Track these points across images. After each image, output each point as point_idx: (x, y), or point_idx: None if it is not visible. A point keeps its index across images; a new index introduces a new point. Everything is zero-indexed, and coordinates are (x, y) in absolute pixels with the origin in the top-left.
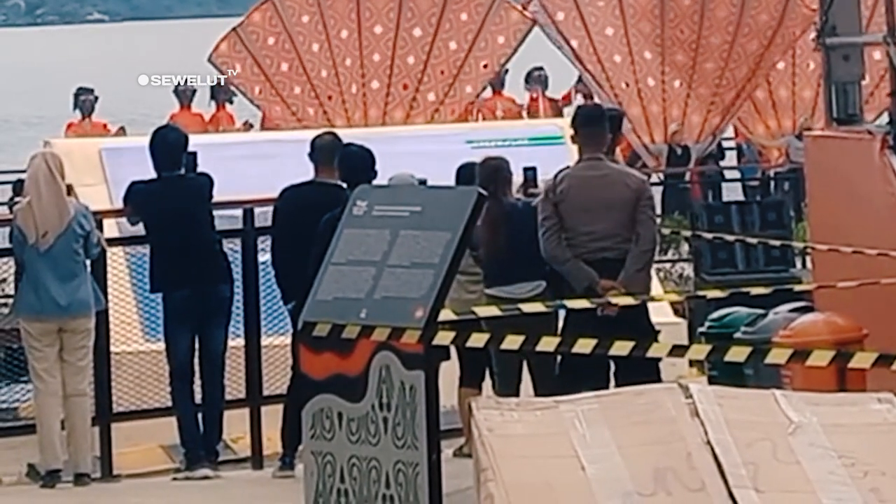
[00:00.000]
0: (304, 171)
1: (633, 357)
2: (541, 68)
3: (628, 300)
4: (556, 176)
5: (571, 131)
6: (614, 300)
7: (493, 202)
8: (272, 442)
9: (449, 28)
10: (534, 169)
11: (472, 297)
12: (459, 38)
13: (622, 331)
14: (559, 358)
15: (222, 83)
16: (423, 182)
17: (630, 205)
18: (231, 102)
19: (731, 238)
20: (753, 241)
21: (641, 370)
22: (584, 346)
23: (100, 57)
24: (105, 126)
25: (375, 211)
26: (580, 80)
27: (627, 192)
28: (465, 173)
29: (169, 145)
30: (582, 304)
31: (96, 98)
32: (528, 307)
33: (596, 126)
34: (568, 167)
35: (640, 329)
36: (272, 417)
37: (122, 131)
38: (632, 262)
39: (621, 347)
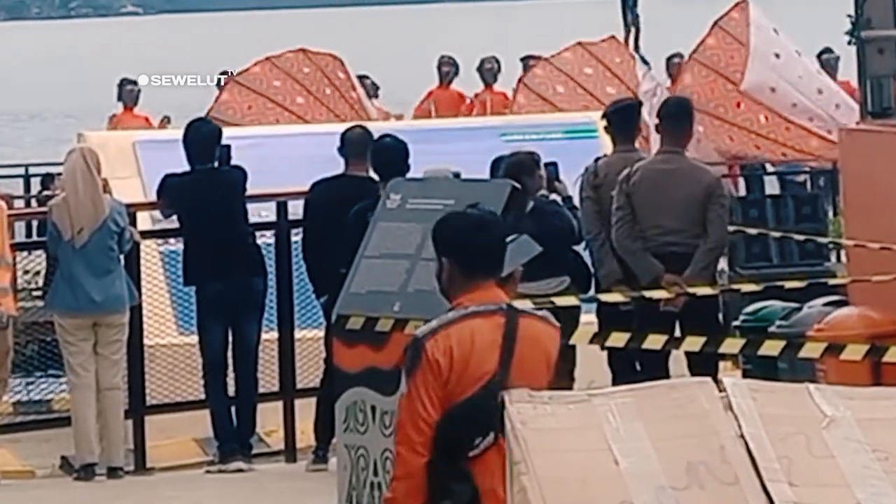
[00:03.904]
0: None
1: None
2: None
3: (663, 293)
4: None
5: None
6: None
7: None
8: (305, 435)
9: None
10: (555, 164)
11: None
12: None
13: (689, 326)
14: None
15: None
16: (456, 175)
17: (700, 201)
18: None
19: (752, 231)
20: (777, 234)
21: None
22: (618, 339)
23: (135, 49)
24: (147, 119)
25: (409, 204)
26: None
27: (698, 188)
28: (499, 166)
29: (202, 138)
30: (616, 297)
31: (140, 90)
32: (560, 300)
33: (680, 119)
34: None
35: (708, 325)
36: (305, 410)
37: (166, 121)
38: (698, 258)
39: (655, 341)
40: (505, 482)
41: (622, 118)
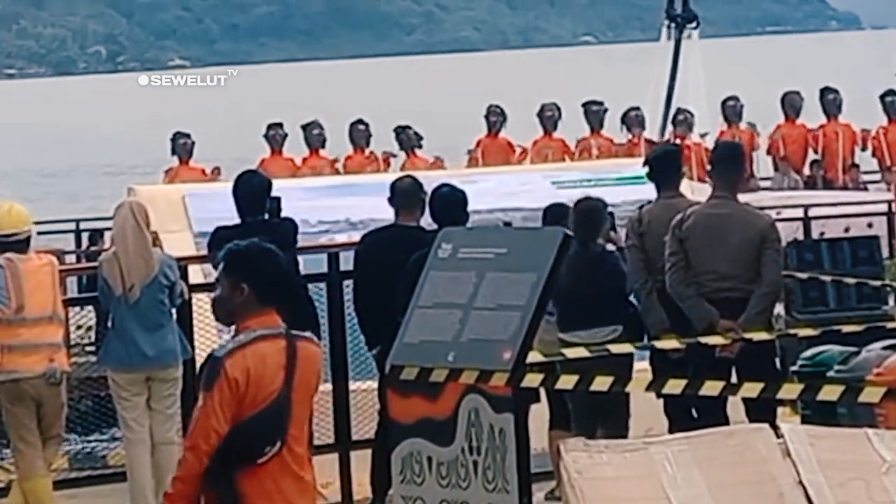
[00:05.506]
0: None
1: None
2: (637, 108)
3: (719, 339)
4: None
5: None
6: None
7: (581, 246)
8: (362, 487)
9: None
10: (611, 214)
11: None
12: None
13: (746, 372)
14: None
15: (312, 125)
16: (507, 224)
17: (754, 245)
18: (324, 146)
19: (801, 275)
20: (827, 278)
21: (760, 411)
22: (675, 387)
23: (184, 102)
24: (203, 171)
25: (461, 253)
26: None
27: (752, 232)
28: (552, 214)
29: (252, 190)
30: (672, 344)
31: (193, 143)
32: (616, 348)
33: (731, 163)
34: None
35: (765, 371)
36: (361, 462)
37: (216, 172)
38: (753, 303)
39: (711, 388)
40: (287, 483)
41: (664, 165)
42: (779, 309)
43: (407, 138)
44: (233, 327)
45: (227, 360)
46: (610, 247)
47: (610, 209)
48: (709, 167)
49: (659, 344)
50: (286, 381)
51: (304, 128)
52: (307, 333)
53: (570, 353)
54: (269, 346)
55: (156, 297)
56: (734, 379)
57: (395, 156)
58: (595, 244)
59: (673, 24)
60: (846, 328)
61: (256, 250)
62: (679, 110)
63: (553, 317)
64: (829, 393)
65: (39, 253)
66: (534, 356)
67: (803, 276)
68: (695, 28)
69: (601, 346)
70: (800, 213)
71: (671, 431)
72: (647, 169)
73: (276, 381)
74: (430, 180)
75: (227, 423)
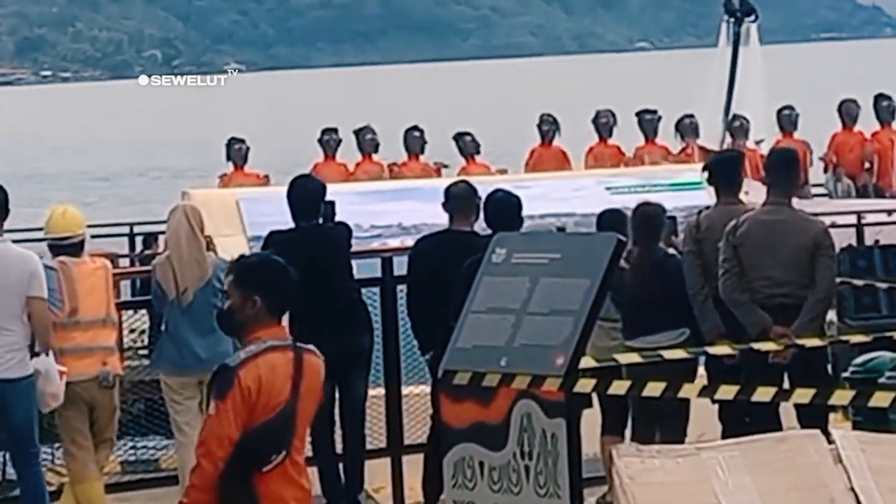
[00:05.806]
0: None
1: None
2: (691, 115)
3: (772, 345)
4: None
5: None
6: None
7: (643, 251)
8: (414, 492)
9: None
10: (673, 218)
11: (614, 343)
12: None
13: (798, 378)
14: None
15: (365, 129)
16: (561, 229)
17: (807, 252)
18: (377, 151)
19: (857, 282)
20: (882, 285)
21: (812, 417)
22: (727, 392)
23: (239, 106)
24: (258, 176)
25: (514, 258)
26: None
27: (805, 238)
28: (606, 220)
29: (306, 194)
30: (724, 350)
31: (248, 148)
32: (669, 353)
33: (786, 169)
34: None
35: (817, 377)
36: (414, 467)
37: (265, 179)
38: (806, 310)
39: (764, 394)
40: (290, 490)
41: (725, 170)
42: (831, 315)
43: (465, 145)
44: None
45: (241, 370)
46: (671, 251)
47: (669, 214)
48: (763, 173)
49: (711, 350)
50: (293, 391)
51: (357, 133)
52: (310, 346)
53: (625, 358)
54: (278, 356)
55: (209, 300)
56: (786, 385)
57: (446, 166)
58: (656, 248)
59: (732, 19)
60: None
61: (268, 262)
62: (735, 116)
63: (608, 323)
64: (881, 399)
65: (93, 256)
66: (587, 362)
67: (859, 282)
68: (753, 21)
69: (656, 352)
70: (853, 219)
71: (725, 437)
72: (706, 174)
73: (284, 392)
74: (484, 185)
75: (239, 430)
